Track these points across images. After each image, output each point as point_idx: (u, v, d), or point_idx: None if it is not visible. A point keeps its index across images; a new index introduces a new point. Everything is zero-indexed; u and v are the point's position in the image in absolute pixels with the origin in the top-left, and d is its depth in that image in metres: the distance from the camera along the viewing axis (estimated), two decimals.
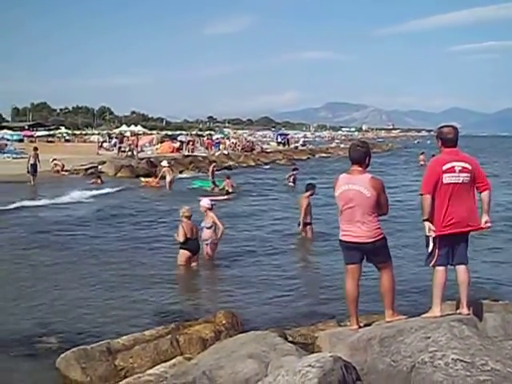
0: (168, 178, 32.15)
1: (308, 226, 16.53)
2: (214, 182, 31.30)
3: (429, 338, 5.38)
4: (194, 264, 13.13)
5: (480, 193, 6.74)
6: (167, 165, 34.01)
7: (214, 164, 34.69)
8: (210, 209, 13.73)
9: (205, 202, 13.91)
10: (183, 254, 13.00)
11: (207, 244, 13.63)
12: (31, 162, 32.63)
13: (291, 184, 33.04)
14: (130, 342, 7.46)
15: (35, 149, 34.08)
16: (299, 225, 16.59)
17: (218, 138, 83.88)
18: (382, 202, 6.75)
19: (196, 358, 6.72)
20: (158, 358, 7.24)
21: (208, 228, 13.51)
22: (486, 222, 6.74)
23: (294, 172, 34.25)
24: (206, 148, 69.58)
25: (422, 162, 48.51)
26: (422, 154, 51.99)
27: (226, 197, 27.52)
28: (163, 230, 17.79)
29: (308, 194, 16.52)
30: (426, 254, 6.74)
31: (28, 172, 32.35)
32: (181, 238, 12.87)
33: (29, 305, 10.27)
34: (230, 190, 29.34)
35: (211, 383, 5.75)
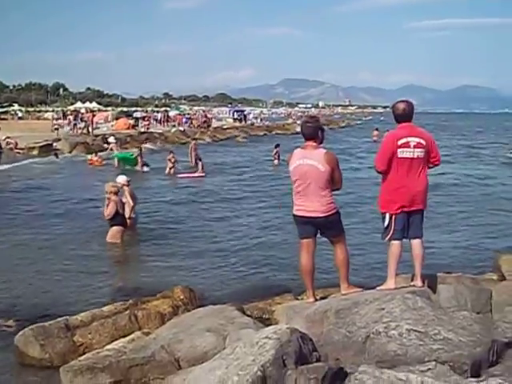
0: None
1: None
2: (196, 162, 28.77)
3: (383, 309, 5.49)
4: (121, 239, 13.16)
5: (432, 166, 6.84)
6: (114, 141, 33.66)
7: (194, 142, 32.56)
8: (127, 185, 14.00)
9: (121, 178, 14.14)
10: (116, 230, 12.99)
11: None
12: None
13: (276, 162, 32.36)
14: (88, 319, 7.43)
15: None
16: None
17: (189, 114, 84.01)
18: (336, 176, 6.76)
19: (154, 333, 6.76)
20: (117, 333, 7.23)
21: (124, 203, 13.66)
22: None
23: (277, 149, 33.07)
24: (179, 124, 68.82)
25: (375, 138, 48.89)
26: (376, 129, 52.41)
27: (202, 174, 27.34)
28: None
29: None
30: (382, 228, 6.84)
31: None
32: (110, 215, 12.89)
33: None
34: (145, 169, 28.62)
35: (170, 357, 5.80)
